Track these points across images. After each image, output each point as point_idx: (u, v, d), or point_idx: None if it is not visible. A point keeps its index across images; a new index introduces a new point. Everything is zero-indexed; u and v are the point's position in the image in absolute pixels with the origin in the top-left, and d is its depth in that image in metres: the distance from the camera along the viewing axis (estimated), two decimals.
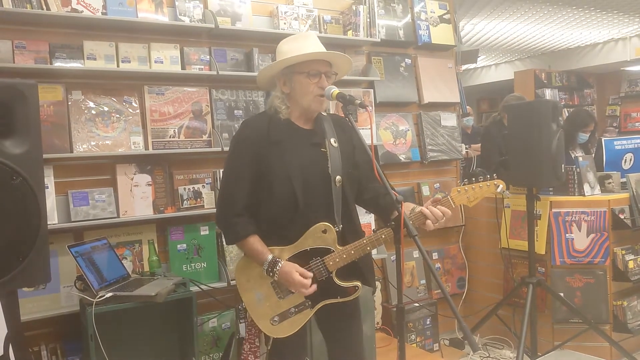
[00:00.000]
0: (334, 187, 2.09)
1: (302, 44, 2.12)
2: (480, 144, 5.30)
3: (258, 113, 2.40)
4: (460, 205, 4.23)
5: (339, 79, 2.26)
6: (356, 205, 2.25)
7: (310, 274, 2.04)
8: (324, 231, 2.06)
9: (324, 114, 2.23)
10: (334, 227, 2.07)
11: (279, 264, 2.03)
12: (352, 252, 2.05)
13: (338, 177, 2.10)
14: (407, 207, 2.13)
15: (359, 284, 2.11)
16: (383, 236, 2.02)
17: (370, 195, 2.22)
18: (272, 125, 2.11)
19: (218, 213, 2.19)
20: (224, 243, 3.15)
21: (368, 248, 2.06)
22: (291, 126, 2.13)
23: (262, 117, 2.20)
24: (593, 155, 4.09)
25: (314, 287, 2.03)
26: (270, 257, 2.04)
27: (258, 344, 2.28)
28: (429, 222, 2.01)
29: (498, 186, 2.09)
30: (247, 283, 2.13)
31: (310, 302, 2.09)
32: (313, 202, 2.07)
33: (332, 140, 2.14)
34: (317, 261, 2.07)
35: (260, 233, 2.09)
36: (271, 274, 2.04)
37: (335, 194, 2.09)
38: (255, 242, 2.07)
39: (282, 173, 2.05)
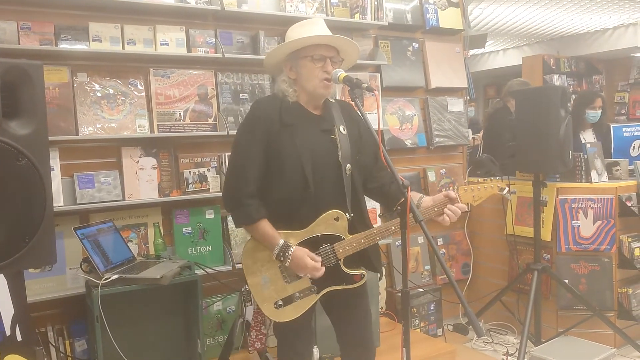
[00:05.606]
0: (344, 176, 2.10)
1: (309, 29, 2.12)
2: (481, 132, 5.24)
3: (268, 95, 2.38)
4: None
5: (347, 66, 2.23)
6: None
7: (319, 259, 2.06)
8: (336, 219, 2.08)
9: (332, 100, 2.23)
10: (346, 216, 2.09)
11: (291, 249, 2.03)
12: (362, 240, 2.08)
13: (348, 166, 2.11)
14: (415, 196, 2.16)
15: (364, 272, 2.14)
16: (393, 227, 2.05)
17: (375, 185, 2.24)
18: (283, 107, 2.10)
19: (229, 193, 2.13)
20: (229, 226, 3.15)
21: (377, 238, 2.10)
22: (302, 110, 2.13)
23: (273, 99, 2.18)
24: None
25: (323, 269, 2.06)
26: (282, 241, 2.04)
27: (264, 331, 2.29)
28: (446, 217, 2.08)
29: (503, 189, 2.22)
30: (253, 265, 2.13)
31: (315, 288, 2.11)
32: (324, 188, 2.07)
33: (341, 127, 2.14)
34: (327, 248, 2.08)
35: (270, 216, 2.08)
36: (282, 258, 2.04)
37: (346, 182, 2.10)
38: (267, 226, 2.06)
39: (292, 154, 2.05)
